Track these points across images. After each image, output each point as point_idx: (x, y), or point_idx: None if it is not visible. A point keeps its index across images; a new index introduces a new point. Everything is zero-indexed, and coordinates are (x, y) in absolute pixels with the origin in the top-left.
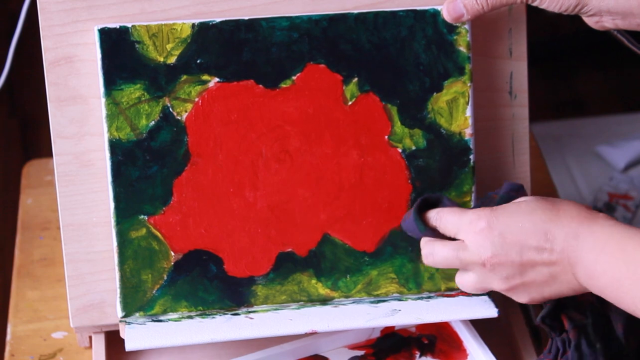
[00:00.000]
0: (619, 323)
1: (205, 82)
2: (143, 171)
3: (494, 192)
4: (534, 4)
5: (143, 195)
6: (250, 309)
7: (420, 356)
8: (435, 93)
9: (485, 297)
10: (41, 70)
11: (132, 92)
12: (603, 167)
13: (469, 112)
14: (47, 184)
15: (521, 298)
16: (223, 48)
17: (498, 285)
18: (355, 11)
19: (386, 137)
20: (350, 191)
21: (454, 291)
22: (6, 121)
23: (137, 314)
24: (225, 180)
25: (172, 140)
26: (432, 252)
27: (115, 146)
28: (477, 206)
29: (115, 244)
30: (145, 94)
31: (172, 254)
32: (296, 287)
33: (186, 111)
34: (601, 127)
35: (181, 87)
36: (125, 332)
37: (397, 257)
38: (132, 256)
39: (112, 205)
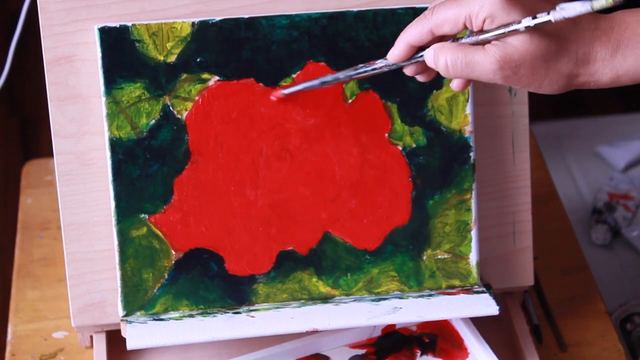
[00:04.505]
0: None
1: (205, 81)
2: (144, 170)
3: None
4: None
5: (144, 194)
6: (251, 308)
7: (421, 355)
8: (435, 90)
9: (486, 295)
10: (41, 69)
11: (133, 90)
12: (603, 167)
13: (468, 109)
14: (47, 183)
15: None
16: (223, 46)
17: None
18: (355, 9)
19: (386, 135)
20: (350, 189)
21: (455, 289)
22: (6, 121)
23: (138, 313)
24: (226, 178)
25: (172, 138)
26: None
27: (115, 145)
28: None
29: (116, 243)
30: (146, 92)
31: (173, 252)
32: (297, 286)
33: (186, 110)
34: (601, 127)
35: (181, 86)
36: (127, 331)
37: (398, 255)
38: (133, 255)
39: (112, 204)
